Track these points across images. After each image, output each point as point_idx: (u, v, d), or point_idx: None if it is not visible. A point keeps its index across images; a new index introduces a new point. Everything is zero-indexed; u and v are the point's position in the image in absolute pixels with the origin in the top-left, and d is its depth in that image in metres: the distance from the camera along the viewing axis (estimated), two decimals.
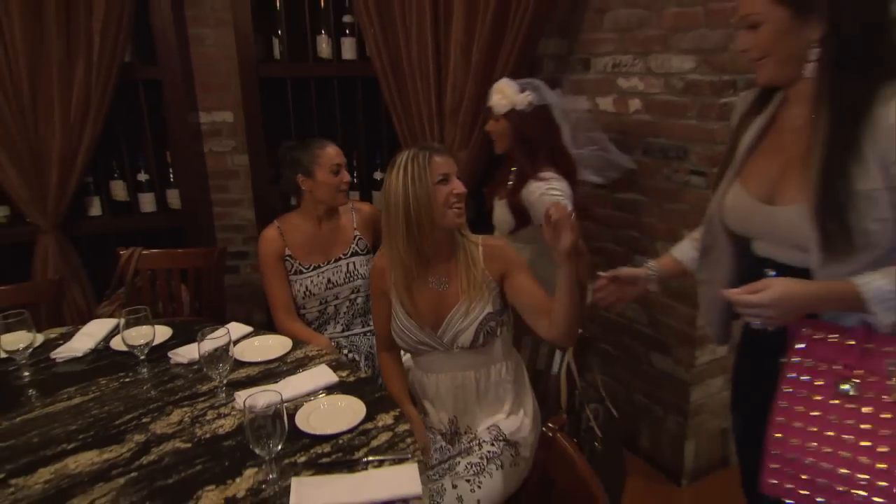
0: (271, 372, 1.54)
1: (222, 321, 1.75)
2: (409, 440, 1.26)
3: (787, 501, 1.11)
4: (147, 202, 2.73)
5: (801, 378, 1.11)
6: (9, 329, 1.50)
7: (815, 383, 1.09)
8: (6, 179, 2.39)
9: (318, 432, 1.27)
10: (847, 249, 1.04)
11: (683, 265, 1.45)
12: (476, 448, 1.50)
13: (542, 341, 1.73)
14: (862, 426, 1.03)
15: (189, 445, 1.25)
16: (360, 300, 2.06)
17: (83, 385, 1.50)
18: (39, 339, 1.69)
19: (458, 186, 1.45)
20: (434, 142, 1.75)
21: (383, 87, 2.39)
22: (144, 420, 1.34)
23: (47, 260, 2.50)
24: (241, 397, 1.36)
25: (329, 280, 2.00)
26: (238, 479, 1.15)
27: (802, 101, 1.11)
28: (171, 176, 2.76)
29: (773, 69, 1.11)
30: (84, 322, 1.84)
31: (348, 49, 2.63)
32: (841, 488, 1.04)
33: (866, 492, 1.01)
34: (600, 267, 2.31)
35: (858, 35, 1.02)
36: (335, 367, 1.54)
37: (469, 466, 1.44)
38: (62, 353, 1.64)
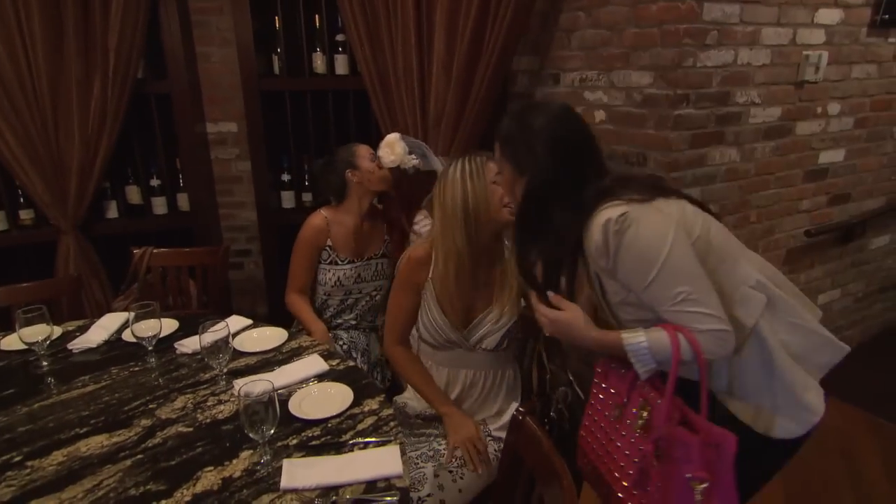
0: (268, 361, 1.53)
1: (227, 314, 1.73)
2: (392, 423, 1.25)
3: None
4: (159, 205, 2.70)
5: (600, 396, 1.25)
6: (28, 323, 1.48)
7: (608, 402, 1.22)
8: (30, 185, 2.36)
9: (309, 417, 1.26)
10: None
11: None
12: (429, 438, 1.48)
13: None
14: (618, 443, 1.17)
15: (191, 429, 1.24)
16: (378, 297, 2.06)
17: (96, 374, 1.48)
18: (57, 331, 1.67)
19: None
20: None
21: (372, 100, 2.37)
22: (151, 406, 1.33)
23: (68, 258, 2.47)
24: (240, 385, 1.35)
25: (359, 275, 1.99)
26: (235, 461, 1.13)
27: None
28: (181, 181, 2.73)
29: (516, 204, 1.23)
30: (101, 315, 1.81)
31: (341, 65, 2.60)
32: (606, 487, 1.22)
33: (614, 499, 1.18)
34: None
35: (536, 202, 1.14)
36: (326, 356, 1.53)
37: (454, 458, 1.42)
38: (78, 344, 1.62)
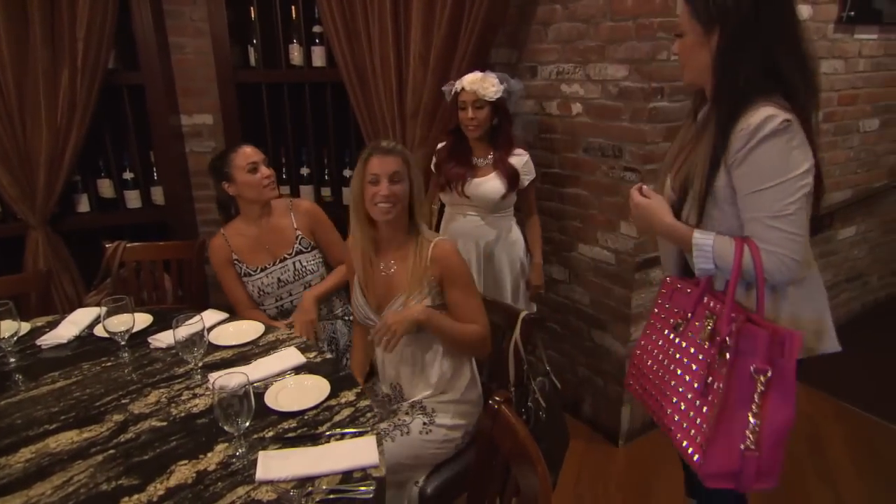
0: (244, 355, 1.51)
1: (204, 308, 1.70)
2: (368, 414, 1.25)
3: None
4: (133, 199, 2.64)
5: (661, 315, 1.32)
6: None
7: (669, 320, 1.29)
8: None
9: (285, 409, 1.24)
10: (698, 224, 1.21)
11: None
12: (393, 416, 1.52)
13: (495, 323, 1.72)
14: (677, 356, 1.22)
15: (165, 423, 1.22)
16: None
17: (66, 370, 1.44)
18: (25, 327, 1.63)
19: (383, 188, 1.42)
20: (391, 141, 1.71)
21: (350, 92, 2.35)
22: (124, 401, 1.30)
23: (37, 253, 2.41)
24: (214, 378, 1.33)
25: (279, 279, 1.94)
26: (209, 454, 1.12)
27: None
28: (155, 174, 2.67)
29: (692, 73, 1.21)
30: (72, 311, 1.77)
31: (318, 57, 2.57)
32: (660, 398, 1.26)
33: (671, 406, 1.21)
34: (547, 255, 2.33)
35: (735, 51, 1.09)
36: (303, 349, 1.51)
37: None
38: (47, 340, 1.58)
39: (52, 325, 1.67)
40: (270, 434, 1.18)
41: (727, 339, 1.10)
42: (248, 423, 1.11)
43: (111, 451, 1.13)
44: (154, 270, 2.30)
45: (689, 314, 1.22)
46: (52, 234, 2.43)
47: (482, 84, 1.92)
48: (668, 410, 1.21)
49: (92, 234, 2.60)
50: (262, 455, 1.10)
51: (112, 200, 2.64)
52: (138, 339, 1.57)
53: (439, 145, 2.13)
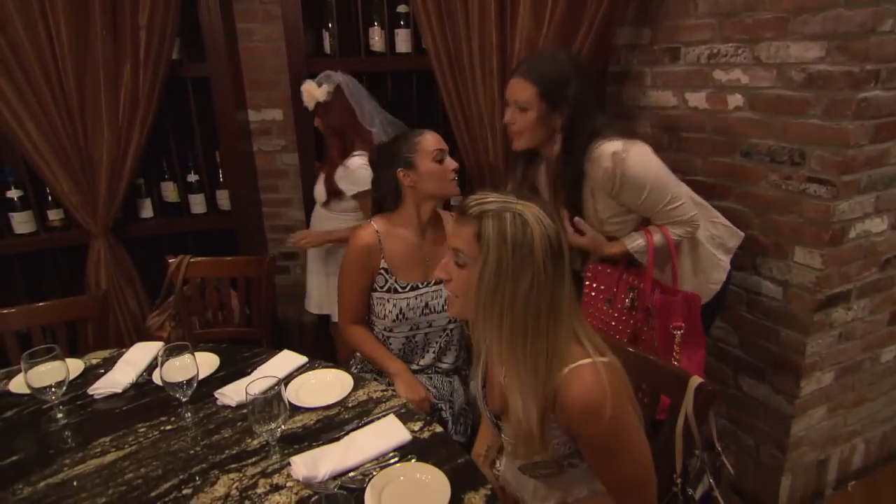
0: (331, 421, 1.19)
1: (275, 335, 1.40)
2: None
3: None
4: (197, 203, 2.41)
5: (591, 294, 1.63)
6: (36, 365, 1.19)
7: (597, 297, 1.62)
8: (56, 185, 2.08)
9: None
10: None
11: None
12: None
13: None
14: (612, 322, 1.57)
15: None
16: (456, 332, 1.61)
17: (120, 433, 1.18)
18: (78, 366, 1.41)
19: (444, 263, 1.04)
20: (484, 194, 0.99)
21: (440, 82, 1.98)
22: (185, 490, 1.01)
23: (100, 264, 2.20)
24: (298, 464, 1.02)
25: (427, 305, 1.56)
26: None
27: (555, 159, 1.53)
28: (221, 176, 2.42)
29: (527, 141, 1.51)
30: (137, 329, 1.52)
31: (402, 42, 2.23)
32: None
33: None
34: None
35: (580, 125, 1.44)
36: (404, 416, 1.18)
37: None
38: (100, 388, 1.32)
39: (108, 364, 1.43)
40: None
41: (649, 306, 1.49)
42: None
43: None
44: (220, 288, 2.04)
45: (615, 289, 1.57)
46: (114, 242, 2.23)
47: (305, 96, 1.95)
48: None
49: (154, 241, 2.40)
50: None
51: (176, 205, 2.42)
52: (203, 388, 1.29)
53: None
